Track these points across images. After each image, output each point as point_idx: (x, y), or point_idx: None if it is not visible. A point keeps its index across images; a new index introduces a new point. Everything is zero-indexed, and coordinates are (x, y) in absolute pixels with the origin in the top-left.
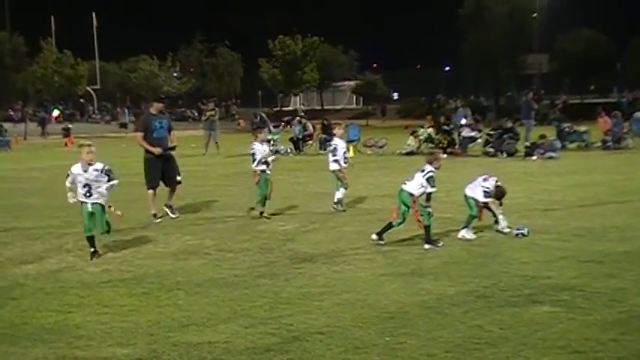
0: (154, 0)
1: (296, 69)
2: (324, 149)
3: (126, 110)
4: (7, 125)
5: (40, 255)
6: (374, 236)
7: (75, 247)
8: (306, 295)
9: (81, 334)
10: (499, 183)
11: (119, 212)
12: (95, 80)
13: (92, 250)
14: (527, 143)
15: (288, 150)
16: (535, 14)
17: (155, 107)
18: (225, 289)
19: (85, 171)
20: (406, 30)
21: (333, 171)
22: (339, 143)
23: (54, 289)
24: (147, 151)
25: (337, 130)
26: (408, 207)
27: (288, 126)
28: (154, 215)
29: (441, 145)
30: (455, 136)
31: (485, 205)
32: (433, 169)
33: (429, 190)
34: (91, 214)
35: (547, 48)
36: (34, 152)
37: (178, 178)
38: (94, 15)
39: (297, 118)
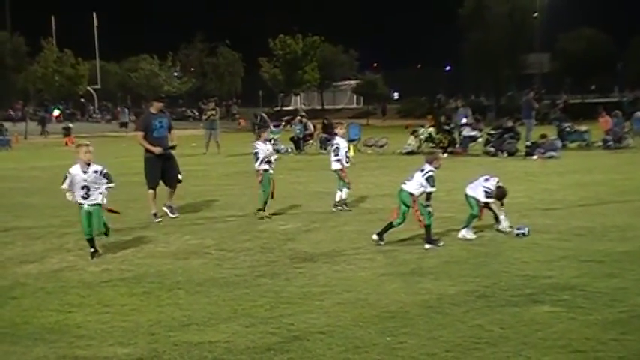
0: (154, 0)
1: (296, 68)
2: (325, 149)
3: (126, 110)
4: (7, 125)
5: (40, 254)
6: (374, 236)
7: (76, 247)
8: (306, 294)
9: (82, 334)
10: (500, 184)
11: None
12: (96, 80)
13: (92, 249)
14: (528, 143)
15: (289, 149)
16: (536, 14)
17: (155, 106)
18: (225, 288)
19: (85, 172)
20: (406, 30)
21: (335, 171)
22: (341, 143)
23: (55, 289)
24: (147, 150)
25: (339, 130)
26: (408, 207)
27: (289, 125)
28: (155, 215)
29: (441, 144)
30: (455, 135)
31: (486, 205)
32: (433, 169)
33: (429, 189)
34: (89, 216)
35: (548, 47)
36: (34, 152)
37: (179, 177)
38: (94, 14)
39: (298, 117)
